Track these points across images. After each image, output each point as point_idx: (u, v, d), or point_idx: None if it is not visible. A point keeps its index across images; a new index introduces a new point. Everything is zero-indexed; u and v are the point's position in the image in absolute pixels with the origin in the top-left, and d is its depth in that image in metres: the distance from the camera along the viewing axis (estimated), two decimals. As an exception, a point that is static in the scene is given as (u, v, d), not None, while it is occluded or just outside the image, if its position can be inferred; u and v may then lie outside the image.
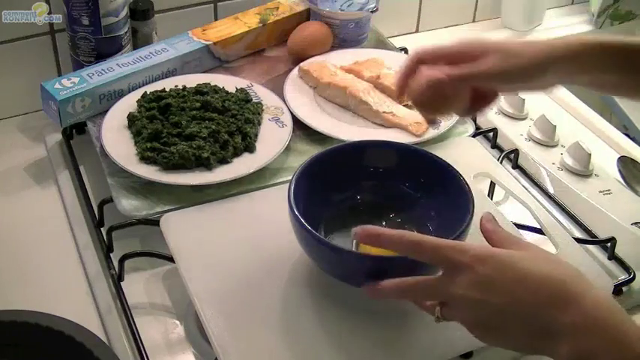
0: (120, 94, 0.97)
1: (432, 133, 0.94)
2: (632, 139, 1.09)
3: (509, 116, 1.04)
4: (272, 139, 0.92)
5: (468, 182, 0.73)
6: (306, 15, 1.15)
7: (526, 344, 0.58)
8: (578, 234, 0.87)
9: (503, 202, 0.92)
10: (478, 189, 0.84)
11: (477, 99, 0.72)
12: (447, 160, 0.76)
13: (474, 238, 0.68)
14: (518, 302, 0.56)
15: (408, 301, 0.65)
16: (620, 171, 0.97)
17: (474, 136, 0.97)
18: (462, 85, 0.69)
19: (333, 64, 1.05)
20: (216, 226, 0.80)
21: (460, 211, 0.70)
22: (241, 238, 0.78)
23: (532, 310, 0.56)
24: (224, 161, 0.87)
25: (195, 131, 0.88)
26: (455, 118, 0.95)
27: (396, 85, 0.73)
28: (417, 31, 1.33)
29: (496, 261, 0.58)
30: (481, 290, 0.57)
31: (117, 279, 0.78)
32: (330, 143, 0.88)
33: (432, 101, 0.70)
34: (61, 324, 0.63)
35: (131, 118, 0.92)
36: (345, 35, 1.13)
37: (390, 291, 0.63)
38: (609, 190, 0.92)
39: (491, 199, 0.90)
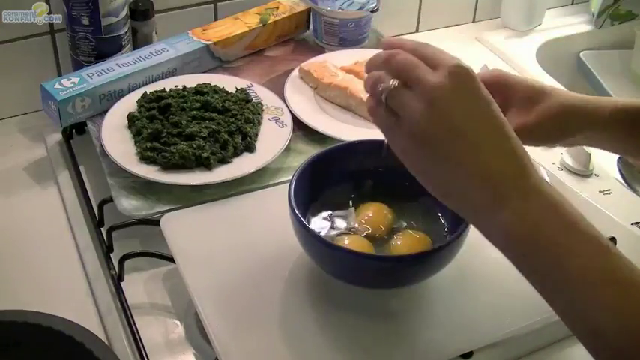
0: (120, 94, 0.97)
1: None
2: (632, 139, 1.08)
3: (509, 116, 1.04)
4: (272, 139, 0.91)
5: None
6: (307, 15, 1.15)
7: (467, 189, 0.56)
8: (578, 234, 0.87)
9: (504, 202, 0.92)
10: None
11: None
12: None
13: (473, 238, 0.68)
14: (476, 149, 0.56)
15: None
16: (620, 171, 0.97)
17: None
18: None
19: (334, 64, 1.05)
20: (216, 226, 0.80)
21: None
22: (241, 238, 0.78)
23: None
24: (224, 161, 0.87)
25: (195, 131, 0.88)
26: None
27: None
28: (417, 31, 1.33)
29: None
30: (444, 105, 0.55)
31: (117, 279, 0.78)
32: (330, 143, 0.88)
33: None
34: (61, 324, 0.63)
35: (131, 118, 0.92)
36: (346, 35, 1.13)
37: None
38: (609, 190, 0.92)
39: (492, 199, 0.90)
